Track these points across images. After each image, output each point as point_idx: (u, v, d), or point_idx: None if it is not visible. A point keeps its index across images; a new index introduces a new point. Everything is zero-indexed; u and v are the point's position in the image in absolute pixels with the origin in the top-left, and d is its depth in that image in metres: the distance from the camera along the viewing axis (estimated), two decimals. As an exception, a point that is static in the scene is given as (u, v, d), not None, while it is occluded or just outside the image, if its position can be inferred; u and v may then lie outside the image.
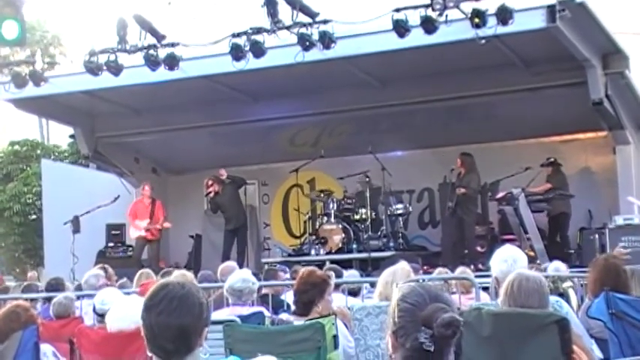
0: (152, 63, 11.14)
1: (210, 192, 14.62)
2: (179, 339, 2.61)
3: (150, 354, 2.68)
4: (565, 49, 10.78)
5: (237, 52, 10.63)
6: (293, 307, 5.75)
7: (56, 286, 8.65)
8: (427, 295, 2.23)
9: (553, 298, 4.89)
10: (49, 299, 7.59)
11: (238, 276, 6.27)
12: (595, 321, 5.17)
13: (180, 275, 7.38)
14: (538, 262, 10.43)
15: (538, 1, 10.10)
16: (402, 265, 5.83)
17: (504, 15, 9.65)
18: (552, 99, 12.48)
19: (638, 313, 4.95)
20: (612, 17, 12.46)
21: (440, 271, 8.34)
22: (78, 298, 7.53)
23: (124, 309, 4.98)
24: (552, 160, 12.93)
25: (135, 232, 14.64)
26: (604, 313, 4.95)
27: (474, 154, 13.59)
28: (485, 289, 6.80)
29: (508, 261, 5.00)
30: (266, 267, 9.83)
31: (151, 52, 11.09)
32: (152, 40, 11.12)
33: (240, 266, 10.11)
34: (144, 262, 14.40)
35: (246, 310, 6.00)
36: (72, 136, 16.95)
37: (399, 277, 5.54)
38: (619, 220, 11.32)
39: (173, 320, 2.62)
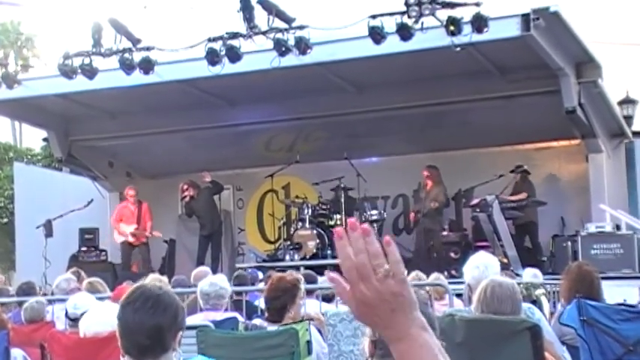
0: (127, 67, 11.09)
1: (185, 196, 14.59)
2: (154, 336, 2.64)
3: (123, 356, 2.69)
4: (539, 58, 10.87)
5: (213, 57, 10.62)
6: (266, 314, 5.74)
7: (28, 290, 8.57)
8: None
9: (525, 305, 4.93)
10: (20, 303, 7.52)
11: (208, 280, 6.28)
12: (567, 328, 5.21)
13: (154, 279, 7.34)
14: (511, 268, 10.49)
15: (513, 10, 10.19)
16: None
17: (479, 23, 9.73)
18: (526, 107, 12.56)
19: (609, 319, 5.00)
20: (586, 26, 12.58)
21: (414, 277, 8.36)
22: (49, 302, 7.46)
23: (97, 314, 4.95)
24: (521, 167, 12.96)
25: (119, 238, 14.57)
26: (575, 320, 4.99)
27: (449, 161, 13.66)
28: (459, 295, 6.83)
29: (480, 267, 5.04)
30: (236, 273, 9.81)
31: (126, 55, 11.04)
32: (127, 44, 11.08)
33: (215, 271, 10.07)
34: (117, 266, 14.31)
35: (220, 316, 5.99)
36: (45, 140, 16.82)
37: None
38: (591, 228, 11.42)
39: (149, 318, 2.65)
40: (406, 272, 1.41)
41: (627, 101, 15.71)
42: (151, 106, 13.94)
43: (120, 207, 14.90)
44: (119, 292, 7.08)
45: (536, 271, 8.86)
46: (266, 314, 5.69)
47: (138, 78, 11.33)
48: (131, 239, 14.44)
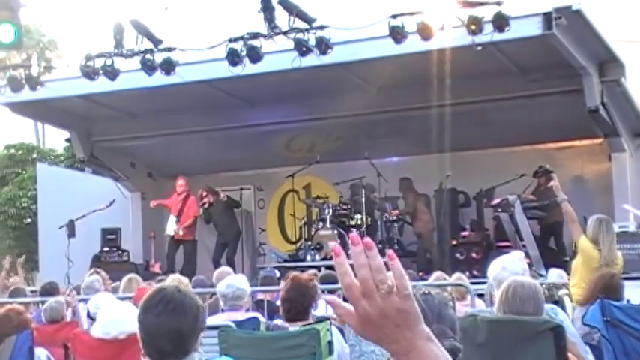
0: (148, 67, 11.14)
1: (204, 202, 14.71)
2: (176, 340, 2.63)
3: (144, 356, 2.69)
4: (561, 57, 10.80)
5: (233, 57, 10.63)
6: (284, 315, 5.74)
7: (50, 290, 8.63)
8: (430, 314, 2.22)
9: (548, 306, 4.90)
10: (43, 303, 7.57)
11: (226, 281, 6.29)
12: (590, 328, 5.17)
13: (174, 280, 7.37)
14: (533, 268, 10.43)
15: (534, 9, 10.13)
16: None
17: (500, 22, 9.68)
18: (548, 106, 12.49)
19: (633, 320, 4.96)
20: (609, 25, 12.48)
21: (437, 277, 8.34)
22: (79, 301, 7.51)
23: (114, 314, 4.97)
24: (543, 168, 12.83)
25: (169, 229, 14.69)
26: (599, 321, 4.95)
27: (470, 161, 13.61)
28: (481, 295, 6.80)
29: (507, 267, 5.02)
30: (261, 273, 9.83)
31: (148, 56, 11.09)
32: (149, 45, 11.13)
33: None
34: (139, 266, 14.38)
35: (241, 316, 6.00)
36: (68, 140, 16.93)
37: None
38: (614, 228, 11.31)
39: (171, 322, 2.64)
40: (410, 287, 1.37)
41: (650, 100, 15.55)
42: (172, 107, 13.99)
43: (171, 199, 15.02)
44: (140, 292, 7.11)
45: (561, 272, 8.80)
46: (284, 315, 5.69)
47: (159, 79, 11.38)
48: (171, 233, 14.55)
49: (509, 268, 5.15)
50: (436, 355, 1.38)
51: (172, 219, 14.70)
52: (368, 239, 1.36)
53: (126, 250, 14.78)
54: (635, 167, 13.08)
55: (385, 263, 1.36)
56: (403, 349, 1.38)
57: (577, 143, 13.94)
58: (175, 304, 2.67)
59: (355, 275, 1.36)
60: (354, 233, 1.37)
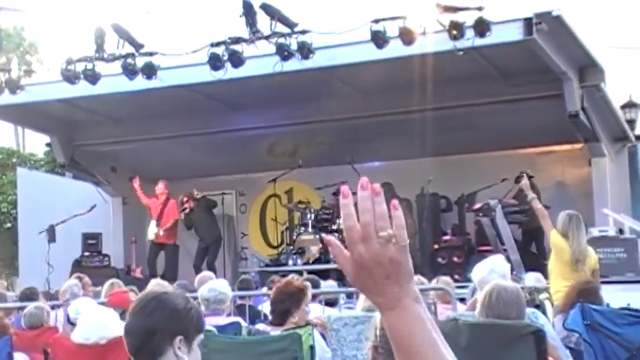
0: (130, 72, 11.10)
1: (185, 208, 14.71)
2: (143, 339, 2.66)
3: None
4: (542, 62, 10.87)
5: (215, 62, 10.62)
6: (270, 317, 5.74)
7: (30, 295, 8.57)
8: None
9: (529, 310, 4.92)
10: (23, 309, 7.52)
11: (208, 285, 6.29)
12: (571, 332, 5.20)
13: (155, 285, 7.35)
14: (514, 273, 10.47)
15: (515, 14, 10.19)
16: None
17: (482, 27, 9.74)
18: (529, 111, 12.56)
19: (614, 324, 4.99)
20: (589, 31, 12.58)
21: (415, 282, 8.36)
22: (53, 307, 7.46)
23: (95, 320, 4.95)
24: (524, 174, 12.85)
25: (150, 234, 14.67)
26: (580, 325, 4.98)
27: (452, 165, 13.65)
28: (462, 300, 6.82)
29: (495, 270, 5.04)
30: (241, 277, 9.82)
31: (129, 60, 11.06)
32: (130, 49, 11.10)
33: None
34: (120, 271, 14.31)
35: (223, 320, 5.99)
36: (48, 145, 16.83)
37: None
38: (594, 232, 11.36)
39: (139, 320, 2.69)
40: (408, 240, 1.38)
41: (630, 105, 15.68)
42: (154, 111, 13.95)
43: (151, 201, 14.98)
44: (114, 297, 7.09)
45: (539, 275, 8.84)
46: (270, 317, 5.70)
47: (141, 83, 11.34)
48: (151, 237, 14.53)
49: (498, 270, 5.17)
50: (420, 316, 1.38)
51: (153, 223, 14.67)
52: (377, 185, 1.36)
53: (107, 255, 14.70)
54: (615, 172, 13.19)
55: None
56: (388, 304, 1.38)
57: (558, 148, 14.03)
58: (150, 304, 2.70)
59: (358, 220, 1.36)
60: (365, 178, 1.37)
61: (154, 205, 14.81)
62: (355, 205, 1.36)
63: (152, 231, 14.67)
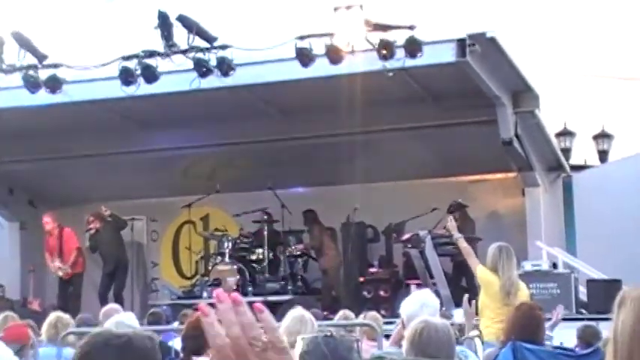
0: (32, 85, 10.91)
1: (90, 229, 14.41)
2: None
3: None
4: (475, 85, 11.07)
5: (127, 76, 10.52)
6: (181, 354, 5.67)
7: None
8: (331, 358, 2.21)
9: (459, 348, 4.96)
10: None
11: (114, 319, 6.17)
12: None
13: (55, 318, 7.17)
14: (444, 308, 10.56)
15: (448, 35, 10.37)
16: (310, 316, 5.74)
17: (413, 47, 9.87)
18: (462, 136, 12.75)
19: (546, 363, 5.06)
20: (524, 55, 12.87)
21: (341, 316, 8.36)
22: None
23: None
24: (458, 203, 13.01)
25: (55, 270, 14.36)
26: (511, 365, 5.03)
27: (379, 193, 13.74)
28: (388, 336, 6.84)
29: (427, 304, 5.06)
30: (151, 310, 9.68)
31: (31, 72, 10.87)
32: (32, 60, 10.90)
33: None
34: (15, 302, 13.95)
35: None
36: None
37: (308, 329, 5.46)
38: (527, 266, 11.54)
39: None
40: (285, 339, 1.37)
41: (565, 133, 16.11)
42: (59, 128, 13.67)
43: (46, 239, 14.61)
44: (10, 331, 6.87)
45: (469, 311, 8.92)
46: (181, 355, 5.62)
47: (44, 97, 11.16)
48: (60, 274, 14.21)
49: (430, 304, 5.18)
50: None
51: (53, 263, 14.28)
52: (235, 294, 1.34)
53: (1, 286, 14.33)
54: (549, 203, 13.44)
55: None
56: None
57: (491, 177, 14.23)
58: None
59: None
60: (219, 290, 1.34)
61: (50, 243, 14.43)
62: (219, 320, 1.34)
63: (57, 267, 14.27)
